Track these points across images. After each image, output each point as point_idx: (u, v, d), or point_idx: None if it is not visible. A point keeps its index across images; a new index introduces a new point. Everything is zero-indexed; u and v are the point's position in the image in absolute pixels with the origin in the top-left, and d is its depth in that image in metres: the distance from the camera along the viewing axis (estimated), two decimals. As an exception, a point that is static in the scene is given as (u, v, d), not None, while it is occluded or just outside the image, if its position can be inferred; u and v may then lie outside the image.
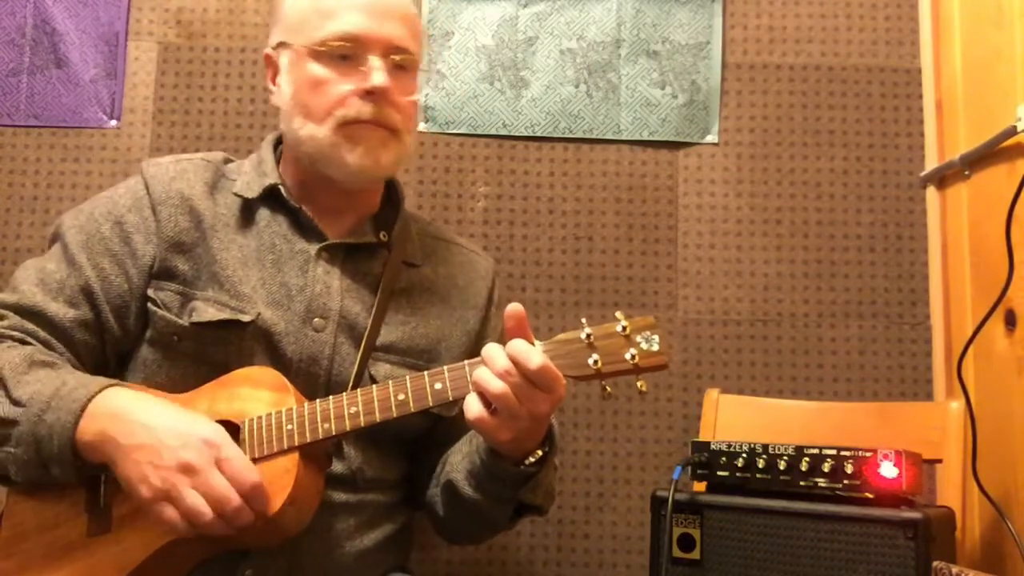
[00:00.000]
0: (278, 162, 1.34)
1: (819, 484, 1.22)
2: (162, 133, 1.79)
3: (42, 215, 1.75)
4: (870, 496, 1.18)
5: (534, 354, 1.04)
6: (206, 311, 1.22)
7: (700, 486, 1.35)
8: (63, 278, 1.24)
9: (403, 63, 1.28)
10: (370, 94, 1.23)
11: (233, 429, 1.14)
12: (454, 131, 1.82)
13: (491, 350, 1.06)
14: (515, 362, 1.04)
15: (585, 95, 1.83)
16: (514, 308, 1.07)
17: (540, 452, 1.15)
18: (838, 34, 1.86)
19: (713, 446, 1.30)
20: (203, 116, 1.80)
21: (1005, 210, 1.43)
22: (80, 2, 1.81)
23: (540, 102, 1.82)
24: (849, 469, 1.20)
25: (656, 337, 1.06)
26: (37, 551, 1.14)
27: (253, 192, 1.30)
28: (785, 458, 1.24)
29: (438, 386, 1.09)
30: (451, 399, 1.10)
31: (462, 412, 1.09)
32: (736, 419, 1.58)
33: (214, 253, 1.25)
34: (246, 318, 1.22)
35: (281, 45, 1.30)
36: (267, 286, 1.25)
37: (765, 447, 1.26)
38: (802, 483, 1.23)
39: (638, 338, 1.06)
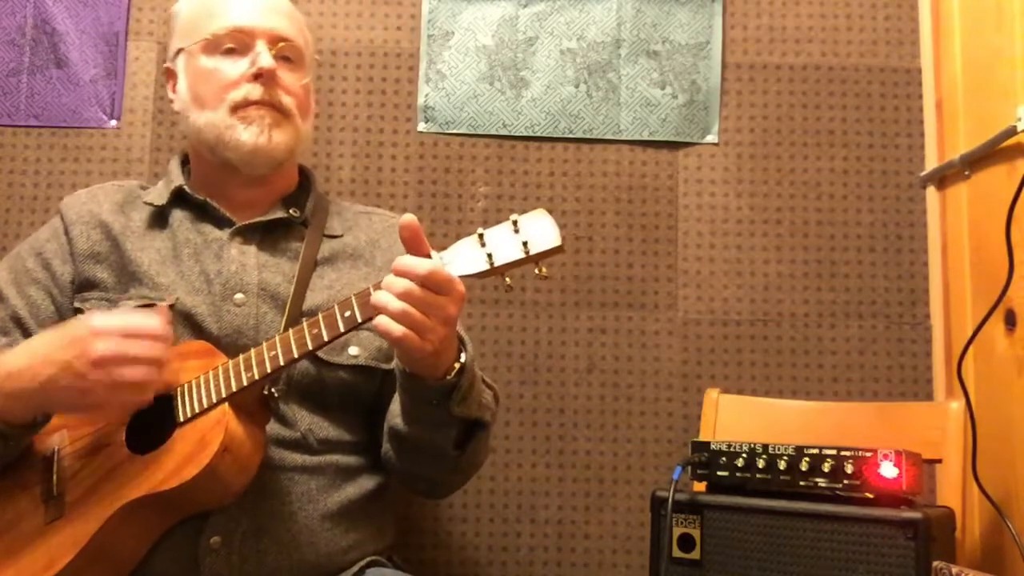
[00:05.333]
0: (184, 172, 1.42)
1: (819, 484, 1.22)
2: (162, 133, 1.79)
3: (42, 215, 1.75)
4: (870, 496, 1.18)
5: (421, 264, 1.07)
6: (127, 305, 1.27)
7: (700, 486, 1.35)
8: None
9: (288, 53, 1.37)
10: (258, 77, 1.33)
11: (169, 400, 1.17)
12: (454, 131, 1.82)
13: (388, 277, 1.09)
14: (407, 275, 1.07)
15: (585, 95, 1.83)
16: (407, 219, 1.10)
17: (457, 364, 1.17)
18: (838, 34, 1.86)
19: (713, 446, 1.30)
20: (203, 116, 1.80)
21: (1005, 210, 1.43)
22: (80, 2, 1.81)
23: (540, 102, 1.82)
24: (849, 469, 1.20)
25: (548, 222, 1.07)
26: (2, 548, 1.18)
27: (163, 199, 1.37)
28: (785, 458, 1.24)
29: (347, 314, 1.12)
30: (360, 321, 1.11)
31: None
32: (736, 419, 1.57)
33: (130, 255, 1.32)
34: (165, 303, 1.26)
35: (178, 52, 1.40)
36: (186, 278, 1.30)
37: (765, 447, 1.26)
38: (802, 483, 1.23)
39: (529, 227, 1.07)
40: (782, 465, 1.24)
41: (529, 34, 1.84)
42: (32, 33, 1.80)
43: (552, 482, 1.74)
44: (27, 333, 1.29)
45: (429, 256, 1.10)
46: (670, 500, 1.25)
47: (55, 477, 1.19)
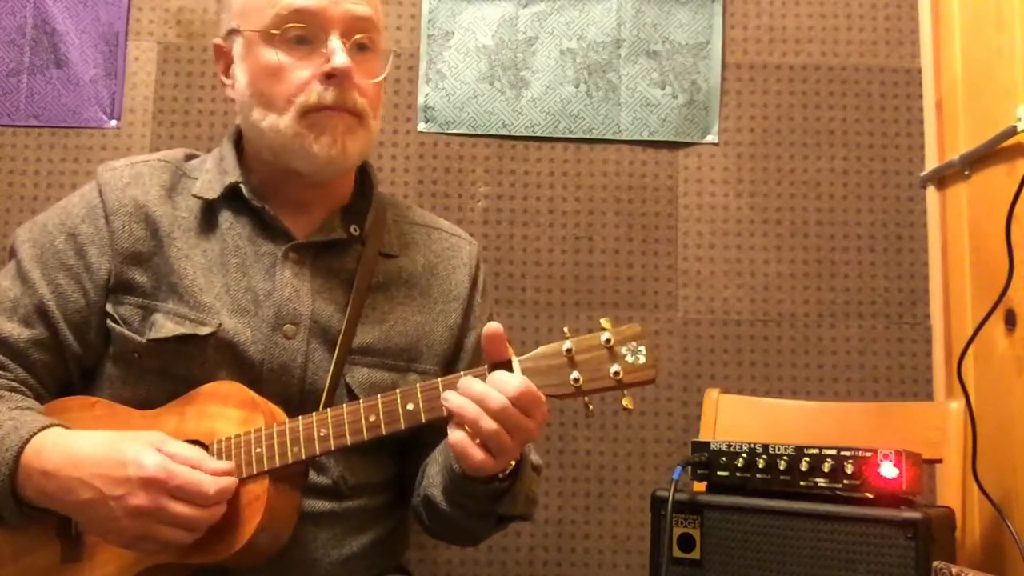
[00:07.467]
0: (240, 158, 1.27)
1: (819, 484, 1.22)
2: (162, 133, 1.79)
3: (42, 215, 1.75)
4: (870, 496, 1.18)
5: (512, 380, 1.00)
6: (164, 325, 1.17)
7: (700, 486, 1.35)
8: (17, 296, 1.19)
9: (366, 42, 1.21)
10: (331, 77, 1.16)
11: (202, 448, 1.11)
12: (454, 131, 1.82)
13: (473, 386, 1.01)
14: (501, 391, 1.00)
15: (585, 95, 1.83)
16: (491, 329, 1.03)
17: (512, 463, 1.10)
18: (838, 34, 1.86)
19: (713, 446, 1.30)
20: (203, 116, 1.80)
21: (1005, 210, 1.43)
22: (80, 2, 1.81)
23: (540, 102, 1.82)
24: (849, 469, 1.20)
25: (643, 348, 0.99)
26: None
27: (214, 192, 1.23)
28: (785, 458, 1.24)
29: (410, 407, 1.05)
30: (424, 421, 1.04)
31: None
32: (736, 419, 1.57)
33: (172, 263, 1.19)
34: (205, 330, 1.16)
35: (232, 32, 1.23)
36: (232, 292, 1.19)
37: (765, 447, 1.26)
38: (802, 483, 1.23)
39: (623, 350, 1.00)
40: (782, 465, 1.24)
41: (529, 34, 1.84)
42: (32, 33, 1.80)
43: (552, 482, 1.74)
44: (52, 328, 1.18)
45: (509, 359, 1.02)
46: (670, 500, 1.25)
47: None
